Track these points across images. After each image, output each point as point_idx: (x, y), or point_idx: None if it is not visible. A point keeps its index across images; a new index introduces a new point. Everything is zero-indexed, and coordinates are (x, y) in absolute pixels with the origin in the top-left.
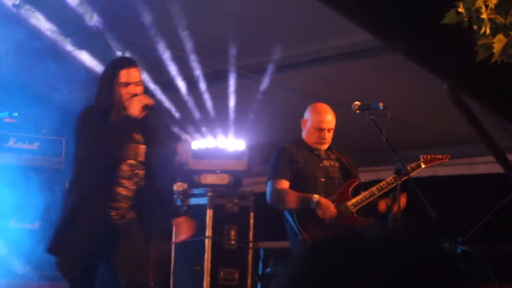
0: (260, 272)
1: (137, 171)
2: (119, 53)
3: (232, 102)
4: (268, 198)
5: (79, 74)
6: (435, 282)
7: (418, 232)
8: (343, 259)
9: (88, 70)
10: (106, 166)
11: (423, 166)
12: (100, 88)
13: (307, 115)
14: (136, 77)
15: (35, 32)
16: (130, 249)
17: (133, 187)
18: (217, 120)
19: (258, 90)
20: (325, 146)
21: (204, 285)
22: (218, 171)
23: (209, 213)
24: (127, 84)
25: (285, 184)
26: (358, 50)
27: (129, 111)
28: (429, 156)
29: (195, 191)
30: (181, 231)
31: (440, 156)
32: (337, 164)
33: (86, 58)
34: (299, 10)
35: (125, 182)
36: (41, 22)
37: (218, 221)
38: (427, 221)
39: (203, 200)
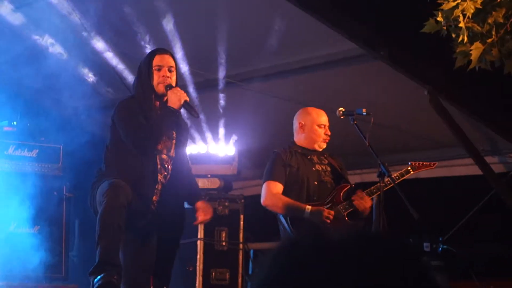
0: (250, 272)
1: (167, 165)
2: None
3: (222, 109)
4: (262, 200)
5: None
6: (398, 278)
7: (383, 231)
8: (310, 259)
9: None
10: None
11: (411, 172)
12: (138, 77)
13: (304, 117)
14: (169, 62)
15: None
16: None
17: (163, 180)
18: (208, 127)
19: (247, 98)
20: (325, 145)
21: (197, 285)
22: (209, 176)
23: None
24: (160, 68)
25: (279, 187)
26: (342, 59)
27: (169, 102)
28: (417, 163)
29: None
30: (201, 213)
31: (428, 163)
32: (329, 169)
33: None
34: (287, 21)
35: (159, 176)
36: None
37: (209, 223)
38: (410, 222)
39: None
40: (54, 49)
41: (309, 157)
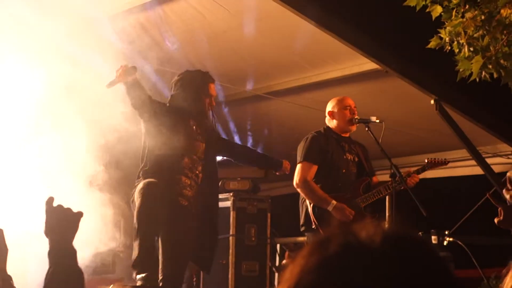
0: (277, 264)
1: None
2: None
3: (249, 119)
4: (295, 181)
5: None
6: (430, 274)
7: (413, 234)
8: (343, 259)
9: None
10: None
11: (427, 168)
12: (189, 92)
13: (331, 106)
14: (214, 92)
15: None
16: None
17: (196, 179)
18: (237, 136)
19: (271, 108)
20: (353, 127)
21: (230, 276)
22: (239, 178)
23: (232, 214)
24: (211, 97)
25: (313, 169)
26: (359, 73)
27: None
28: (433, 159)
29: (220, 196)
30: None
31: (442, 160)
32: (356, 159)
33: None
34: (307, 39)
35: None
36: None
37: (240, 221)
38: (419, 218)
39: (227, 204)
40: None
41: (341, 144)
